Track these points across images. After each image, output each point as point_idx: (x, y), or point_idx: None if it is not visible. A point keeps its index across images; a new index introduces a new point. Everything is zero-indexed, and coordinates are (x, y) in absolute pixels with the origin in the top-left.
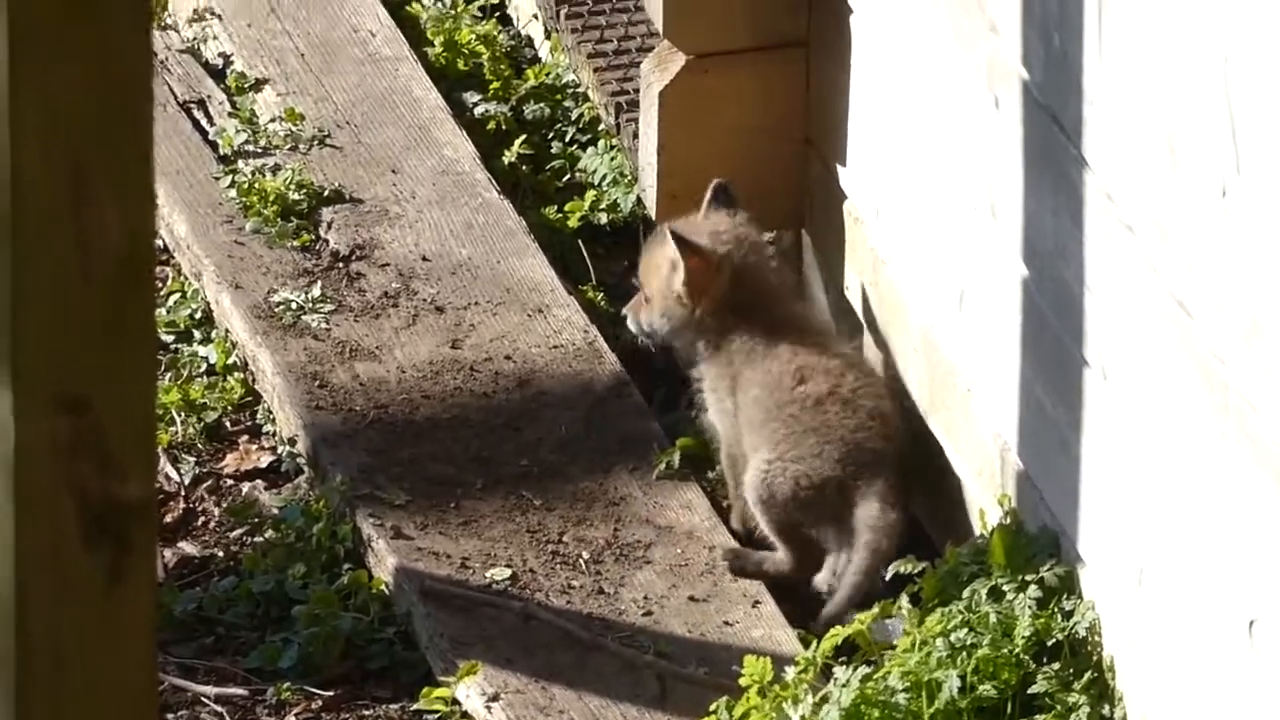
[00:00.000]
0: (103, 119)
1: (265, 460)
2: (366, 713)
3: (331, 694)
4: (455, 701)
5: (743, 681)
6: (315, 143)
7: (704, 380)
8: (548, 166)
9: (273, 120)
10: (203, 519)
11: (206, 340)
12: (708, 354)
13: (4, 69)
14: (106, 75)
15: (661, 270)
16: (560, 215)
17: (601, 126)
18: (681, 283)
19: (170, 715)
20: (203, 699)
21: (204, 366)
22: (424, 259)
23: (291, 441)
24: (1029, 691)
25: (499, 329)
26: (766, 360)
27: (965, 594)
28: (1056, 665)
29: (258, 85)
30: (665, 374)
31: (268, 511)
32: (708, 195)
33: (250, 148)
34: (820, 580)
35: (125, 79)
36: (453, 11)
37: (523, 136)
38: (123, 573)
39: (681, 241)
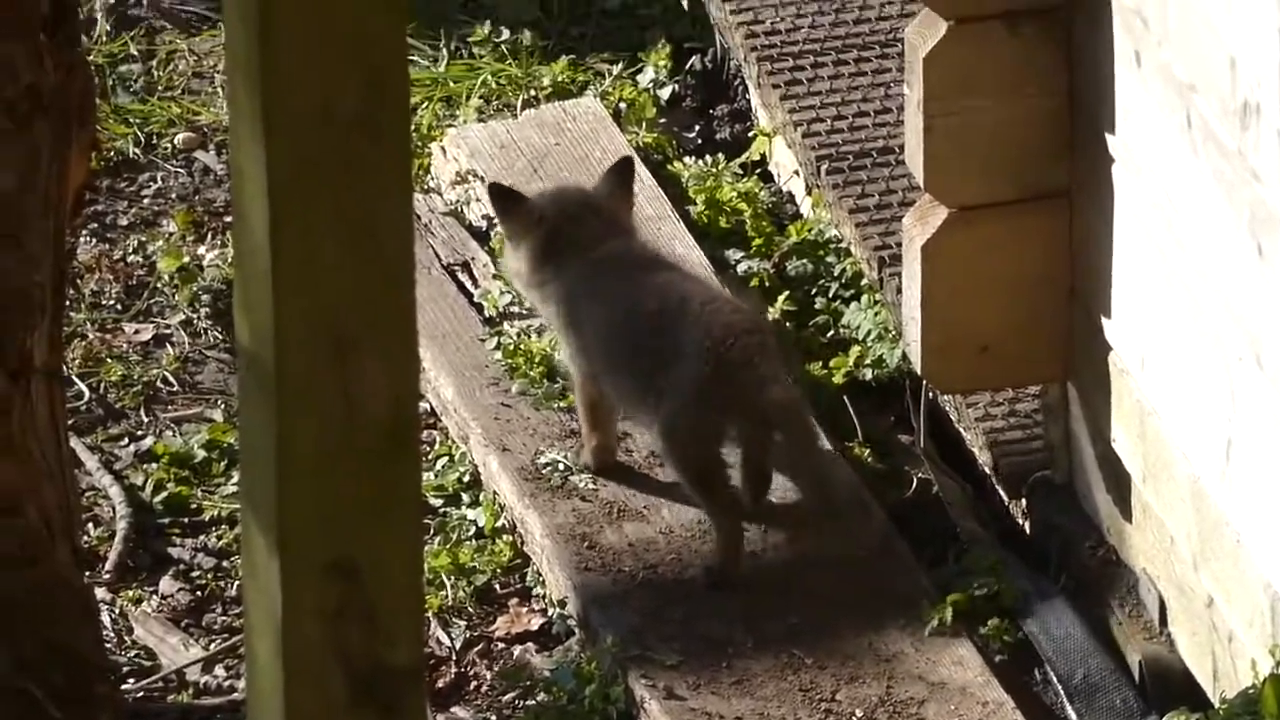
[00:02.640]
0: (364, 283)
1: (536, 623)
2: None
3: None
4: None
5: None
6: None
7: (552, 322)
8: (811, 323)
9: None
10: (475, 683)
11: (475, 503)
12: (548, 297)
13: (265, 234)
14: (368, 240)
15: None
16: (825, 371)
17: (865, 281)
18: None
19: None
20: None
21: (473, 529)
22: None
23: (561, 603)
24: None
25: None
26: (599, 295)
27: None
28: None
29: None
30: (936, 529)
31: (539, 674)
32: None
33: (515, 309)
34: None
35: (387, 243)
36: (714, 170)
37: (786, 293)
38: None
39: (495, 195)
